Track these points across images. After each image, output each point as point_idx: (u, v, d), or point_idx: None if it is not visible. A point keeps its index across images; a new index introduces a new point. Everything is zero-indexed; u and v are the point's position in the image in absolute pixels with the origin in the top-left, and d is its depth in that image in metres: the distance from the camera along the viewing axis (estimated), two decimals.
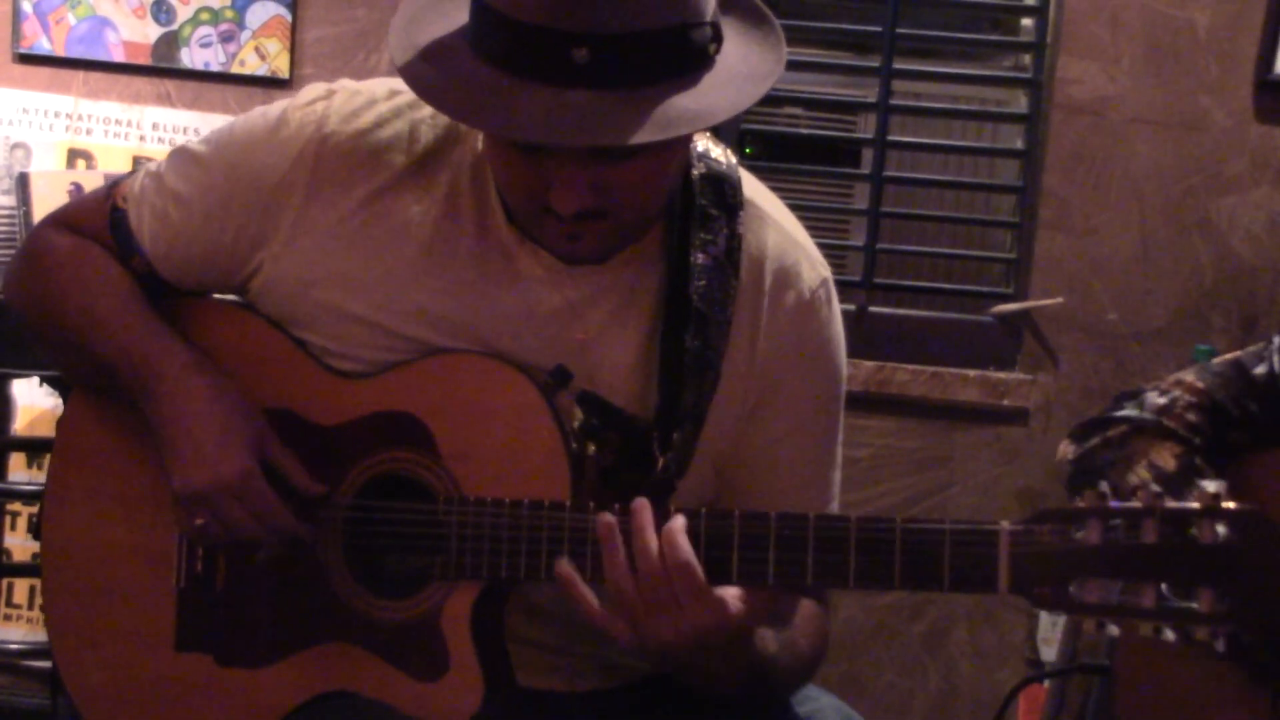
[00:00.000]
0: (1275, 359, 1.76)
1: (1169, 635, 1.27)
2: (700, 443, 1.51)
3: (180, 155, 1.60)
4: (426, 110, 1.52)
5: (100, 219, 1.61)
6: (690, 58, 1.34)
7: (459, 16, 1.39)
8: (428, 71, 1.37)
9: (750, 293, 1.53)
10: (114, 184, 1.64)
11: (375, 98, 1.54)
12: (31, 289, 1.63)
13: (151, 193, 1.59)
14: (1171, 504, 1.27)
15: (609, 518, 1.37)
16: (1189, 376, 1.80)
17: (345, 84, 1.56)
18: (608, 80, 1.30)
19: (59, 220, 1.65)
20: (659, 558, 1.35)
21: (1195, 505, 1.26)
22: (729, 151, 1.56)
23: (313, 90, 1.55)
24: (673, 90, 1.32)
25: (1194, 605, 1.27)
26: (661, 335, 1.50)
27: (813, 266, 1.57)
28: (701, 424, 1.50)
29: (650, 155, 1.37)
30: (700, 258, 1.49)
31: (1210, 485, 1.28)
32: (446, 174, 1.52)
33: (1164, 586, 1.27)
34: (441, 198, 1.51)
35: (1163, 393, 1.79)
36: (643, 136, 1.30)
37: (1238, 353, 1.82)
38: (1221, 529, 1.25)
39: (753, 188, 1.58)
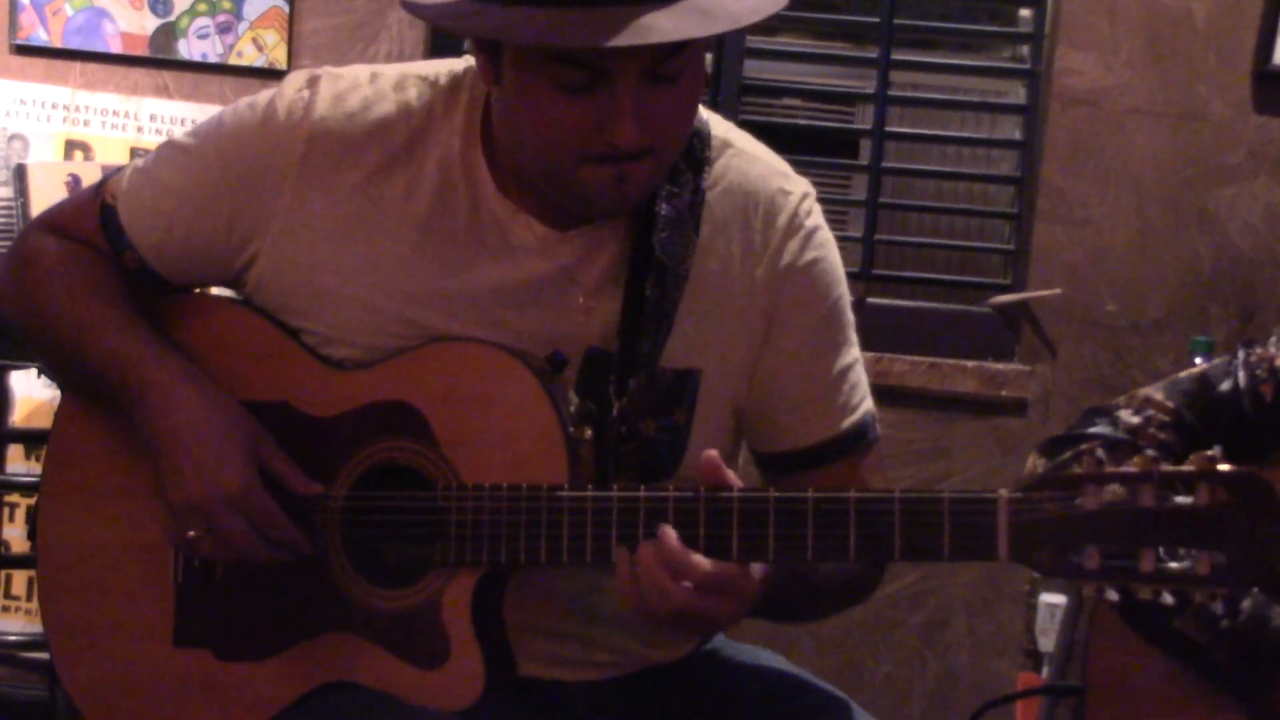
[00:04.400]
0: (1240, 374, 1.75)
1: (1168, 598, 1.28)
2: (714, 395, 1.54)
3: (169, 149, 1.60)
4: (411, 91, 1.54)
5: (90, 217, 1.60)
6: None
7: None
8: (478, 22, 1.39)
9: (740, 228, 1.55)
10: (101, 182, 1.63)
11: (359, 81, 1.55)
12: (21, 296, 1.62)
13: (141, 187, 1.59)
14: (1168, 468, 1.27)
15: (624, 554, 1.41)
16: (1159, 395, 1.80)
17: (328, 70, 1.57)
18: None
19: (48, 223, 1.64)
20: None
21: (1192, 468, 1.27)
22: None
23: (297, 78, 1.56)
24: None
25: (1192, 568, 1.27)
26: (625, 283, 1.51)
27: (795, 185, 1.60)
28: (655, 370, 1.51)
29: (691, 78, 1.42)
30: (665, 209, 1.52)
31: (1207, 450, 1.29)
32: (436, 152, 1.52)
33: (1162, 550, 1.28)
34: (434, 176, 1.52)
35: (1136, 411, 1.79)
36: (722, 27, 1.37)
37: (1205, 365, 1.82)
38: (1218, 492, 1.26)
39: (725, 128, 1.60)
